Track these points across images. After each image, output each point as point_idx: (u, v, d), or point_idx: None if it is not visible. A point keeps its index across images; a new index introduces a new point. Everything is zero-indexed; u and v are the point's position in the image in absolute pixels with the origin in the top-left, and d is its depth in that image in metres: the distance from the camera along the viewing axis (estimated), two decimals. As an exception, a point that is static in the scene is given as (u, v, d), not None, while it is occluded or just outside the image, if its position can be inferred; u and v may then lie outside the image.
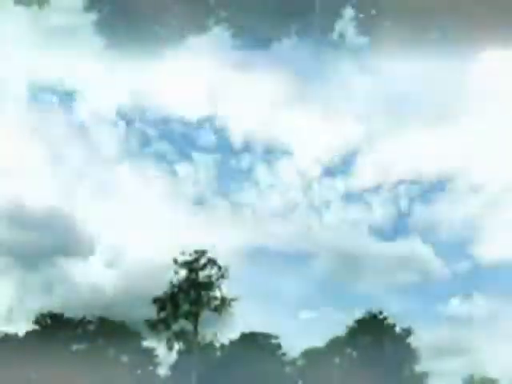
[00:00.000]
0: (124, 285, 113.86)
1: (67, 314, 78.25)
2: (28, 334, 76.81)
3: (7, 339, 77.61)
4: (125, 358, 75.04)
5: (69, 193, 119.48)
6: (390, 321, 70.99)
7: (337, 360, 72.30)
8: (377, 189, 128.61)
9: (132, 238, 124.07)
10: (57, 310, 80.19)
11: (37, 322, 77.77)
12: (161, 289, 69.05)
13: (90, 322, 77.55)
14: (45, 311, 79.67)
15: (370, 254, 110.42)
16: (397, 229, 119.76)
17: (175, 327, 67.75)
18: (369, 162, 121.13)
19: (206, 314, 68.05)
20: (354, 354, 71.19)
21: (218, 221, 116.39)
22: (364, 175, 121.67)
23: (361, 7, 7.88)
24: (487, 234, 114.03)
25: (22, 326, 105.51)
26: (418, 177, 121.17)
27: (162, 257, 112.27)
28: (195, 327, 67.56)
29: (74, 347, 77.61)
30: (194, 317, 67.45)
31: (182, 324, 67.85)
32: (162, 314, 67.50)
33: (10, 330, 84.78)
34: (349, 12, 8.02)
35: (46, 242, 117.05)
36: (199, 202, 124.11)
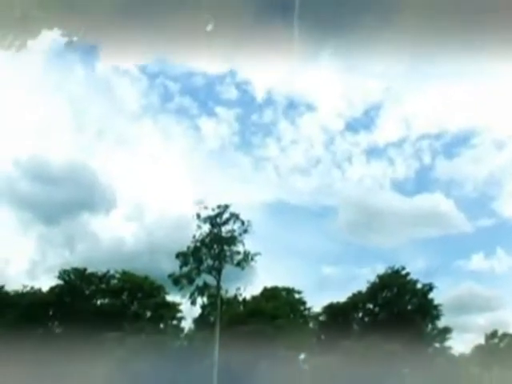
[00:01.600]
0: (146, 239, 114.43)
1: (90, 269, 79.00)
2: (52, 289, 77.35)
3: (31, 294, 78.32)
4: (148, 313, 75.71)
5: (91, 147, 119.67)
6: (412, 276, 70.83)
7: (359, 315, 72.53)
8: (400, 143, 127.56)
9: (154, 193, 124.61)
10: (79, 264, 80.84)
11: (60, 277, 78.36)
12: (183, 243, 69.26)
13: (113, 276, 78.10)
14: (68, 266, 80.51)
15: (392, 209, 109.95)
16: (419, 183, 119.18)
17: (198, 282, 68.16)
18: (392, 117, 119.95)
19: (228, 269, 68.28)
20: (376, 309, 71.29)
21: (241, 176, 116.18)
22: (387, 130, 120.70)
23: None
24: (511, 189, 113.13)
25: (45, 282, 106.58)
26: (441, 131, 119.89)
27: (184, 211, 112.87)
28: (218, 282, 67.81)
29: (98, 302, 78.36)
30: (216, 271, 67.63)
31: (205, 279, 68.26)
32: (185, 269, 67.74)
33: (34, 284, 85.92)
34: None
35: (68, 197, 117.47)
36: (221, 156, 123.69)
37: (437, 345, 70.29)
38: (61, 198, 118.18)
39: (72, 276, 77.95)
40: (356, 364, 63.51)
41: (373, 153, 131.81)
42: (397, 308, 69.06)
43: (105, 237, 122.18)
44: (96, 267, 79.45)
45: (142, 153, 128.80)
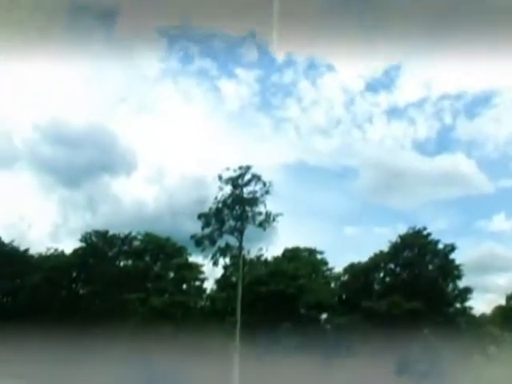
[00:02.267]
0: (168, 201, 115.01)
1: (112, 231, 79.78)
2: (75, 251, 78.07)
3: (55, 257, 79.08)
4: (171, 274, 76.34)
5: (112, 111, 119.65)
6: (434, 236, 70.75)
7: (380, 275, 72.74)
8: (420, 104, 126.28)
9: (175, 155, 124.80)
10: (101, 227, 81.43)
11: (82, 240, 79.03)
12: (205, 205, 69.49)
13: (135, 238, 78.65)
14: (89, 229, 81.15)
15: (413, 170, 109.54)
16: (440, 144, 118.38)
17: (220, 243, 68.46)
18: (412, 77, 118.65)
19: (250, 230, 68.52)
20: (398, 269, 71.40)
21: (261, 137, 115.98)
22: (407, 90, 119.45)
23: None
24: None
25: (67, 244, 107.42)
26: (462, 91, 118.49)
27: (205, 173, 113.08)
28: (240, 243, 68.04)
29: (121, 263, 79.07)
30: (238, 232, 67.86)
31: (227, 240, 68.58)
32: (207, 230, 68.04)
33: (57, 247, 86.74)
34: None
35: (89, 160, 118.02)
36: (242, 118, 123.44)
37: (457, 305, 70.38)
38: (82, 161, 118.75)
39: (94, 238, 78.62)
40: (377, 324, 63.96)
41: (393, 113, 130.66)
42: (418, 268, 69.10)
43: (126, 199, 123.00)
44: (118, 229, 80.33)
45: (163, 115, 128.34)
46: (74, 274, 78.54)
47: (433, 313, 64.52)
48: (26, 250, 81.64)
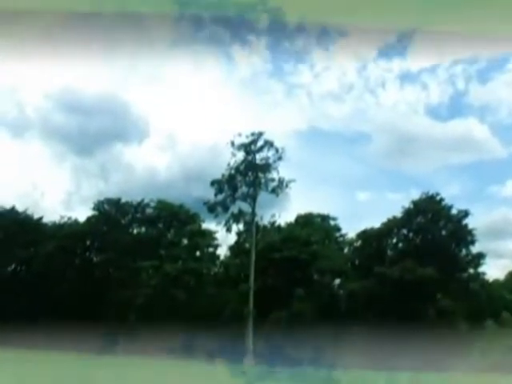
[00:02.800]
0: (180, 168, 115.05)
1: (124, 199, 79.80)
2: (88, 219, 78.32)
3: (68, 225, 79.32)
4: (184, 241, 76.51)
5: (123, 78, 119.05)
6: (447, 202, 70.42)
7: (393, 241, 72.63)
8: (433, 69, 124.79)
9: (187, 122, 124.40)
10: (114, 195, 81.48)
11: (95, 208, 79.21)
12: (217, 171, 69.47)
13: (148, 205, 78.73)
14: (102, 197, 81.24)
15: (426, 135, 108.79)
16: (453, 109, 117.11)
17: (233, 209, 68.65)
18: (425, 42, 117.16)
19: (263, 196, 68.60)
20: (411, 234, 71.23)
21: (274, 103, 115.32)
22: (420, 55, 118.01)
23: None
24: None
25: (80, 212, 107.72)
26: (474, 56, 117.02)
27: (217, 140, 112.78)
28: (253, 209, 68.28)
29: (134, 231, 79.28)
30: (251, 199, 68.02)
31: (240, 206, 68.69)
32: (220, 197, 68.21)
33: (70, 215, 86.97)
34: None
35: (101, 128, 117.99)
36: (254, 84, 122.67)
37: (471, 270, 70.23)
38: (94, 129, 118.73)
39: (107, 206, 78.73)
40: (390, 289, 64.06)
41: (406, 78, 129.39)
42: (431, 234, 68.88)
43: (138, 167, 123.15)
44: (130, 197, 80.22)
45: (175, 83, 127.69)
46: (88, 242, 78.78)
47: (446, 278, 64.40)
48: (40, 219, 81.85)
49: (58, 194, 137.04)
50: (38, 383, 21.49)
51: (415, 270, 62.23)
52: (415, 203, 70.22)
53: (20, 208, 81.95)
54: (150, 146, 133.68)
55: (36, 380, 23.14)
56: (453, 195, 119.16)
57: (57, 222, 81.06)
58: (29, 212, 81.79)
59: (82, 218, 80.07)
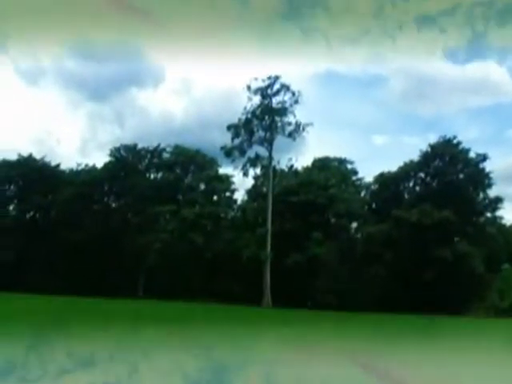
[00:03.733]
0: (196, 113, 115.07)
1: (141, 145, 79.89)
2: (105, 165, 78.49)
3: (86, 172, 79.59)
4: (202, 185, 76.68)
5: (137, 24, 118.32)
6: (465, 145, 69.91)
7: (410, 184, 72.45)
8: (451, 11, 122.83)
9: (203, 65, 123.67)
10: (130, 140, 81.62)
11: (111, 154, 79.36)
12: (233, 116, 69.24)
13: (164, 150, 78.71)
14: (118, 143, 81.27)
15: (444, 78, 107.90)
16: (471, 52, 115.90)
17: (250, 153, 68.58)
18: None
19: (280, 140, 68.43)
20: (428, 178, 70.98)
21: (290, 47, 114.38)
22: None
23: None
24: None
25: (97, 158, 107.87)
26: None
27: (233, 84, 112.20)
28: (270, 153, 68.17)
29: (151, 176, 79.45)
30: (268, 143, 67.87)
31: (257, 150, 68.61)
32: (237, 141, 68.08)
33: (87, 162, 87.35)
34: None
35: (116, 74, 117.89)
36: (271, 28, 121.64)
37: (488, 214, 70.09)
38: (108, 75, 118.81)
39: (123, 152, 78.80)
40: (407, 232, 64.18)
41: (424, 21, 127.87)
42: (448, 177, 68.60)
43: (154, 112, 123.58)
44: (146, 143, 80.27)
45: (190, 27, 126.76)
46: (105, 188, 79.09)
47: (463, 222, 64.33)
48: (57, 166, 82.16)
49: (74, 141, 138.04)
50: (59, 330, 21.67)
51: (432, 213, 62.11)
52: (432, 147, 69.77)
53: (37, 155, 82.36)
54: (164, 91, 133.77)
55: (56, 327, 23.37)
56: (470, 138, 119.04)
57: (74, 168, 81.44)
58: (46, 159, 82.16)
59: (98, 165, 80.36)
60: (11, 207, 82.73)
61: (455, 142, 69.67)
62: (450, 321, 39.36)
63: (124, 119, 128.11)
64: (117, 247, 74.06)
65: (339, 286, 67.00)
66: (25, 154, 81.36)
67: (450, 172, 68.73)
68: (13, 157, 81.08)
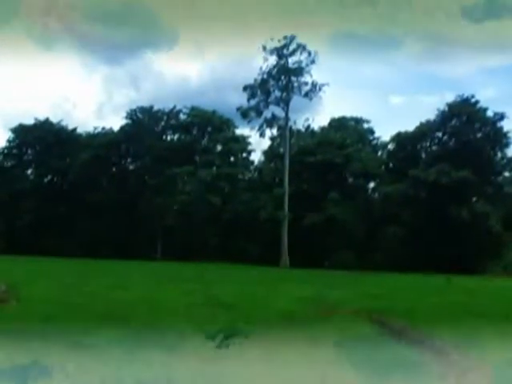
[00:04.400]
0: (211, 75, 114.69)
1: (157, 107, 79.86)
2: (122, 128, 78.64)
3: (103, 135, 79.72)
4: (218, 147, 76.76)
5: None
6: (482, 104, 69.20)
7: (427, 144, 72.12)
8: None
9: (217, 27, 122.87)
10: (145, 103, 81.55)
11: (128, 117, 79.38)
12: (249, 77, 68.98)
13: (180, 111, 78.64)
14: (134, 106, 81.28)
15: (460, 37, 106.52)
16: (488, 9, 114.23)
17: (266, 114, 68.42)
18: None
19: (296, 100, 68.22)
20: (445, 138, 70.58)
21: (306, 7, 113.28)
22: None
23: None
24: None
25: (113, 122, 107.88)
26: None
27: (249, 44, 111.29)
28: (286, 113, 68.01)
29: (168, 138, 79.59)
30: (284, 103, 67.68)
31: (273, 110, 68.46)
32: (253, 102, 67.91)
33: (103, 125, 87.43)
34: None
35: (130, 37, 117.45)
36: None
37: (506, 173, 69.82)
38: (122, 39, 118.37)
39: (140, 114, 78.85)
40: (425, 192, 64.17)
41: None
42: (466, 137, 68.03)
43: (169, 75, 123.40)
44: (162, 105, 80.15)
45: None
46: (122, 151, 79.39)
47: (481, 181, 64.09)
48: (74, 130, 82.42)
49: (90, 105, 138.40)
50: (79, 289, 22.02)
51: (450, 173, 61.85)
52: (450, 106, 69.12)
53: (54, 119, 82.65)
54: (179, 54, 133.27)
55: (76, 285, 23.75)
56: (488, 97, 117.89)
57: (91, 131, 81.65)
58: (63, 123, 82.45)
59: (115, 128, 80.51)
60: (29, 171, 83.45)
61: (473, 101, 68.98)
62: (466, 280, 39.44)
63: (139, 82, 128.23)
64: (134, 209, 74.70)
65: (356, 245, 67.39)
66: (41, 118, 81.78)
67: (467, 131, 68.23)
68: (30, 121, 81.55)
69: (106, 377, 10.39)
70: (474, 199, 65.77)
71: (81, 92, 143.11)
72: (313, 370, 11.09)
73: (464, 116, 68.33)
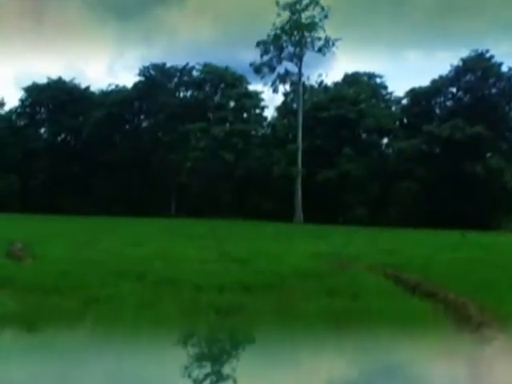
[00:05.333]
0: (223, 30, 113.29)
1: (169, 64, 79.52)
2: (135, 85, 78.57)
3: (116, 92, 79.57)
4: (231, 103, 76.44)
5: None
6: (497, 59, 68.32)
7: (441, 99, 71.52)
8: None
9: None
10: (158, 60, 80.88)
11: (140, 73, 79.14)
12: (261, 32, 68.27)
13: (193, 68, 78.19)
14: (147, 62, 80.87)
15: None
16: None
17: (279, 69, 68.16)
18: None
19: (309, 55, 67.75)
20: (459, 93, 69.96)
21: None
22: None
23: None
24: None
25: (126, 79, 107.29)
26: None
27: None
28: (299, 69, 67.65)
29: (181, 95, 79.40)
30: (297, 58, 67.24)
31: (286, 66, 68.07)
32: (266, 57, 67.54)
33: (117, 82, 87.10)
34: None
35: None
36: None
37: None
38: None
39: (152, 71, 78.51)
40: (439, 148, 63.94)
41: None
42: (480, 92, 67.49)
43: (181, 31, 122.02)
44: (175, 62, 79.73)
45: None
46: (136, 108, 79.31)
47: (495, 137, 63.74)
48: (87, 88, 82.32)
49: (102, 62, 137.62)
50: (93, 246, 22.19)
51: (464, 128, 61.46)
52: (464, 61, 68.30)
53: (66, 78, 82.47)
54: (191, 10, 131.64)
55: (90, 243, 23.92)
56: (503, 52, 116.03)
57: (104, 89, 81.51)
58: (75, 82, 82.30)
59: (128, 85, 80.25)
60: (42, 130, 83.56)
61: (487, 55, 68.13)
62: (481, 235, 39.35)
63: (151, 39, 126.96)
64: (148, 166, 74.92)
65: (370, 201, 67.46)
66: (54, 77, 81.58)
67: (481, 87, 67.66)
68: (43, 80, 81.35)
69: (124, 327, 10.59)
70: (489, 155, 65.38)
71: (92, 50, 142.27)
72: (327, 321, 11.25)
73: (479, 71, 67.64)
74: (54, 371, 8.47)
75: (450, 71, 69.51)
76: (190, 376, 8.21)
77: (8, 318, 10.50)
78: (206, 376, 8.31)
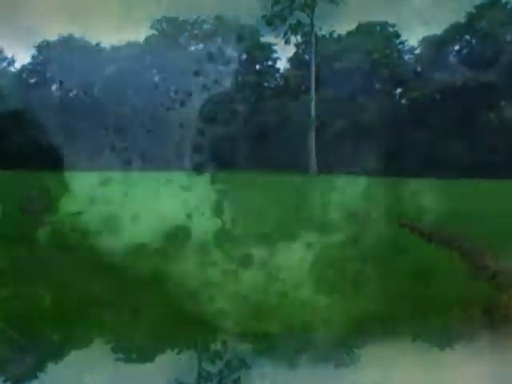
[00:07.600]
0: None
1: (181, 17, 78.94)
2: (146, 39, 78.56)
3: (127, 47, 79.27)
4: (243, 55, 76.04)
5: None
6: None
7: (456, 47, 70.87)
8: None
9: None
10: (169, 14, 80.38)
11: (152, 27, 78.91)
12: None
13: (204, 21, 77.81)
14: (158, 17, 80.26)
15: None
16: None
17: (291, 20, 67.55)
18: None
19: (321, 6, 67.03)
20: (474, 41, 69.28)
21: None
22: None
23: None
24: None
25: (137, 35, 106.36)
26: None
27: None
28: (311, 19, 67.04)
29: (193, 48, 79.15)
30: (309, 9, 66.58)
31: (298, 16, 67.48)
32: (277, 8, 66.92)
33: (127, 38, 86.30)
34: None
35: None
36: None
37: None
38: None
39: (164, 25, 78.10)
40: (452, 97, 63.64)
41: None
42: (495, 39, 66.50)
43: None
44: (186, 15, 79.09)
45: None
46: (147, 62, 78.90)
47: (510, 85, 63.21)
48: (98, 43, 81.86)
49: (113, 17, 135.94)
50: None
51: (478, 77, 61.07)
52: (478, 8, 67.55)
53: (77, 35, 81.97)
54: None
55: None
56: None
57: (115, 44, 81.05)
58: (87, 38, 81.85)
59: (140, 39, 80.00)
60: (53, 87, 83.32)
61: (502, 1, 67.31)
62: (496, 184, 39.41)
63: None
64: (162, 121, 74.84)
65: (385, 151, 67.39)
66: (65, 34, 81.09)
67: (496, 34, 66.87)
68: (53, 37, 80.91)
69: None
70: (503, 103, 64.93)
71: (102, 4, 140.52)
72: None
73: (493, 18, 66.76)
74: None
75: (463, 18, 68.78)
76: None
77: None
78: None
